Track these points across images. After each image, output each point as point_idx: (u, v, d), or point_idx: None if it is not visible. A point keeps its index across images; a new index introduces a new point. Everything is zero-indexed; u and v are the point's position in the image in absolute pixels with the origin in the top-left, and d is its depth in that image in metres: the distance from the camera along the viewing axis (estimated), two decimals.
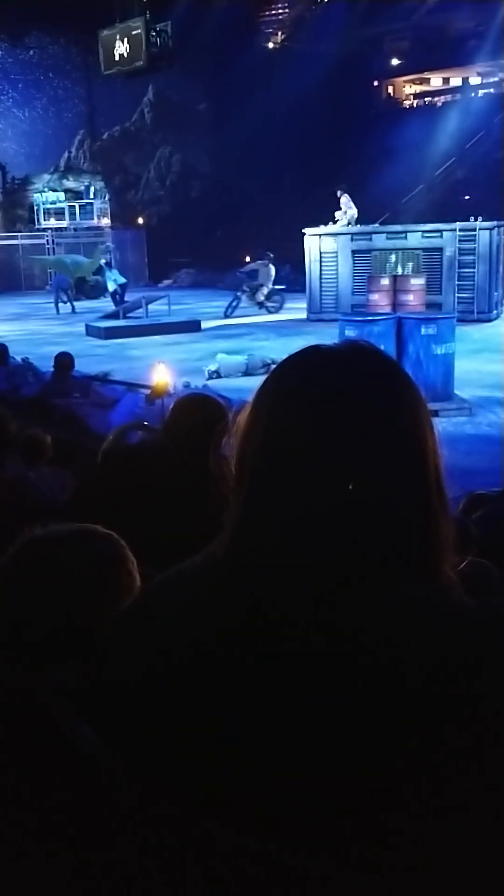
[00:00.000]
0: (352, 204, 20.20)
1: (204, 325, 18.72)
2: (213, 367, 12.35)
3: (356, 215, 20.21)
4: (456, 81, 38.51)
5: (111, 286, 23.06)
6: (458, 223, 18.71)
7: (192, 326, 18.38)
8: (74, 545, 1.47)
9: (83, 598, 1.37)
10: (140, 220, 33.72)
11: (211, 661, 0.90)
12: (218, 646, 0.90)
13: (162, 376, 6.82)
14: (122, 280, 23.00)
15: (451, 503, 0.98)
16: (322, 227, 20.28)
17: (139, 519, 2.36)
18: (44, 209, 32.71)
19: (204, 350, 15.20)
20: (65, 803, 0.90)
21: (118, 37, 22.28)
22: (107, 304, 23.48)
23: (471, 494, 4.67)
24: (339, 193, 20.39)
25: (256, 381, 1.00)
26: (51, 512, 2.73)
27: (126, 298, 22.68)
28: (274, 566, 0.91)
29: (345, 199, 20.22)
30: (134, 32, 21.80)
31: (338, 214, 20.34)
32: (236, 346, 15.41)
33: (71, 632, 1.30)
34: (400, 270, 18.16)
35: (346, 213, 20.15)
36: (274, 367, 1.00)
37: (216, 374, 12.14)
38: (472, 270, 18.37)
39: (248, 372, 12.05)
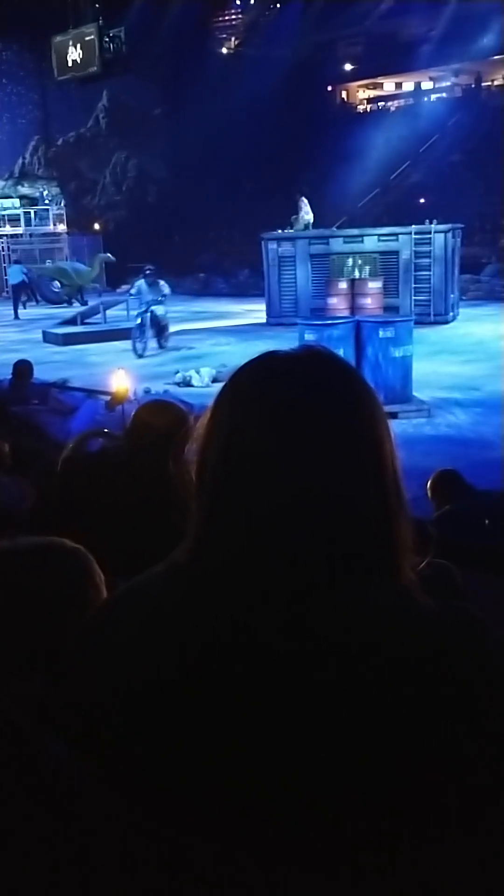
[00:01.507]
0: (308, 208, 20.31)
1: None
2: (179, 378, 12.27)
3: (311, 220, 20.32)
4: (409, 86, 38.91)
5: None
6: (413, 226, 18.89)
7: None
8: (39, 559, 1.45)
9: (48, 614, 1.36)
10: (97, 226, 33.54)
11: (178, 671, 0.90)
12: (184, 655, 0.90)
13: (122, 382, 6.78)
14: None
15: (409, 504, 0.99)
16: (279, 231, 20.37)
17: (100, 528, 2.35)
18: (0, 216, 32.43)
19: (164, 355, 15.16)
20: (31, 816, 0.89)
21: (71, 42, 22.18)
22: (61, 310, 23.35)
23: (441, 471, 4.69)
24: (299, 197, 20.49)
25: (217, 388, 1.00)
26: (10, 522, 2.70)
27: (83, 304, 22.57)
28: (237, 573, 0.91)
29: (303, 204, 20.32)
30: (87, 38, 21.72)
31: (294, 219, 20.44)
32: (196, 352, 15.40)
33: (35, 647, 1.28)
34: (357, 274, 18.28)
35: (301, 217, 20.25)
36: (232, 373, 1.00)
37: (185, 384, 12.05)
38: (428, 273, 18.56)
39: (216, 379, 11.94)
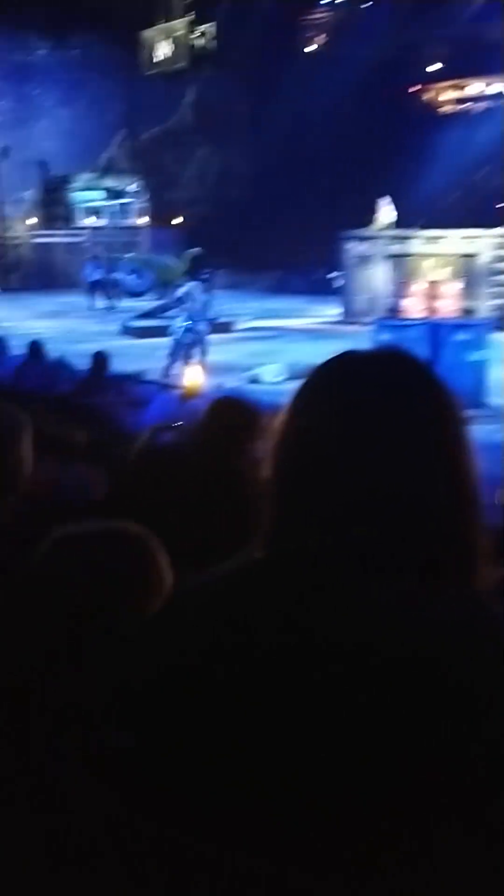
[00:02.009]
0: (391, 209, 20.13)
1: (237, 325, 18.73)
2: (250, 375, 12.28)
3: (393, 221, 20.14)
4: (496, 88, 38.17)
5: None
6: (494, 229, 18.56)
7: (225, 327, 18.40)
8: (105, 542, 1.48)
9: (111, 595, 1.38)
10: (177, 220, 33.81)
11: (249, 669, 0.89)
12: (256, 653, 0.90)
13: (195, 377, 6.84)
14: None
15: (484, 511, 0.97)
16: (359, 230, 20.24)
17: (169, 520, 2.37)
18: (83, 208, 32.90)
19: (237, 351, 15.21)
20: (99, 803, 0.90)
21: (161, 37, 22.40)
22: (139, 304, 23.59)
23: None
24: (380, 197, 20.33)
25: (291, 385, 1.00)
26: (84, 510, 2.75)
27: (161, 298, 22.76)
28: (308, 573, 0.91)
29: (384, 204, 20.15)
30: (177, 33, 21.92)
31: (376, 218, 20.30)
32: (269, 349, 15.40)
33: (96, 627, 1.31)
34: (436, 275, 18.05)
35: (382, 217, 20.10)
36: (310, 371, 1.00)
37: (255, 381, 12.05)
38: None
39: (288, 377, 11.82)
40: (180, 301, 13.38)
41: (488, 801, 0.83)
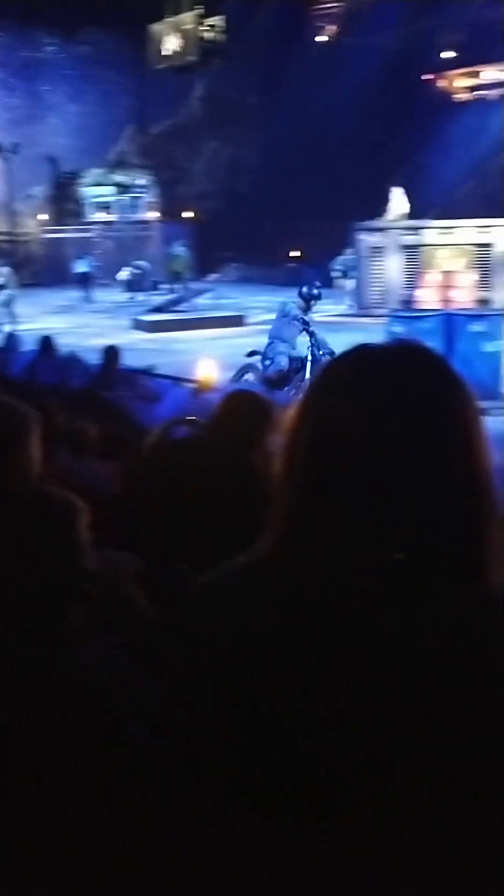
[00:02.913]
0: (404, 199, 20.04)
1: (250, 319, 18.72)
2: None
3: (406, 211, 20.06)
4: None
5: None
6: None
7: (238, 321, 18.40)
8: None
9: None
10: (189, 214, 33.82)
11: (261, 664, 0.89)
12: (267, 649, 0.90)
13: (208, 371, 6.84)
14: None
15: (500, 504, 0.96)
16: (372, 221, 20.17)
17: (183, 514, 2.37)
18: (93, 203, 32.97)
19: (250, 345, 15.18)
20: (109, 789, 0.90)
21: (170, 31, 22.36)
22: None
23: None
24: (393, 187, 20.25)
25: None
26: (97, 505, 2.74)
27: (172, 293, 22.81)
28: (321, 568, 0.90)
29: (397, 194, 20.07)
30: (185, 27, 21.87)
31: (389, 208, 20.23)
32: None
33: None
34: (450, 266, 17.96)
35: (394, 208, 20.02)
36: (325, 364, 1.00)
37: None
38: None
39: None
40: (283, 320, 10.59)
41: None
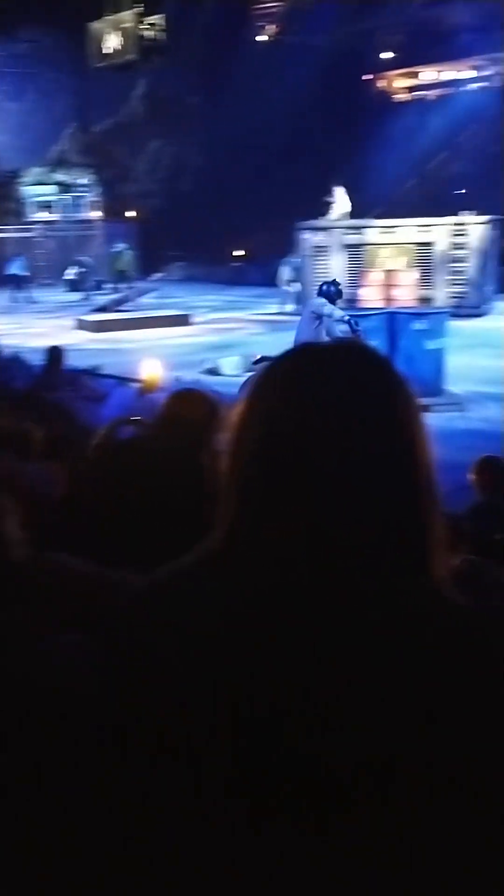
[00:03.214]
0: (346, 199, 20.18)
1: (195, 318, 18.70)
2: (209, 366, 12.27)
3: (348, 210, 20.21)
4: (449, 76, 38.41)
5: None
6: (450, 218, 18.71)
7: (183, 320, 18.36)
8: None
9: None
10: (132, 213, 33.61)
11: (209, 664, 0.90)
12: (215, 648, 0.90)
13: (153, 370, 6.81)
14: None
15: (442, 498, 0.98)
16: (315, 220, 20.28)
17: (130, 515, 2.36)
18: (34, 202, 32.58)
19: (195, 344, 15.18)
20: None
21: (109, 29, 22.17)
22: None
23: (486, 457, 4.77)
24: (335, 187, 20.36)
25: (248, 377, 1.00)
26: (42, 508, 2.72)
27: (116, 292, 22.65)
28: (268, 566, 0.91)
29: (339, 194, 20.20)
30: (125, 25, 21.70)
31: (328, 208, 20.35)
32: (228, 340, 15.40)
33: None
34: (392, 265, 18.16)
35: (337, 207, 20.15)
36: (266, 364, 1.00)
37: (215, 373, 12.04)
38: (464, 265, 18.38)
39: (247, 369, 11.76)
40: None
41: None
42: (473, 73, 36.63)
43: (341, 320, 10.10)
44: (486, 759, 0.85)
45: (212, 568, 0.95)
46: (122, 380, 9.45)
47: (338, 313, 10.13)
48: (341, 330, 9.94)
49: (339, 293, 10.52)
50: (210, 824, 0.88)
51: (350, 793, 0.84)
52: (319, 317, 10.06)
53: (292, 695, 0.87)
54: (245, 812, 0.87)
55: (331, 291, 10.39)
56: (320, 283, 10.80)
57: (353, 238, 19.36)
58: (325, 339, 9.61)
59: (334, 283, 10.69)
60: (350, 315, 10.37)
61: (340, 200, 20.16)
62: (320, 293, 10.45)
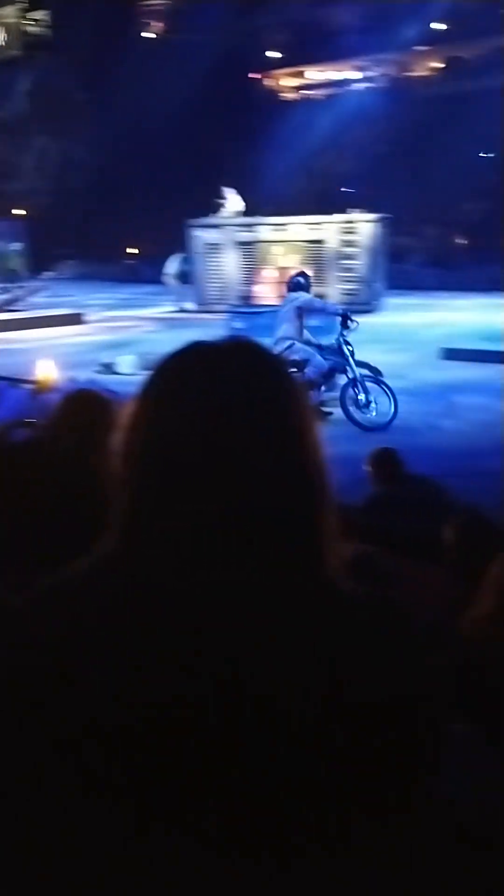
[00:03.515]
0: (237, 199, 20.27)
1: (88, 317, 18.46)
2: (104, 365, 12.16)
3: (242, 207, 20.31)
4: (334, 75, 39.06)
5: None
6: (340, 215, 19.02)
7: (76, 319, 18.09)
8: None
9: None
10: (20, 212, 32.88)
11: (106, 668, 0.89)
12: (111, 652, 0.89)
13: (47, 371, 6.69)
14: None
15: (335, 492, 0.99)
16: (207, 218, 20.30)
17: (24, 518, 2.31)
18: None
19: (89, 343, 14.99)
20: None
21: None
22: None
23: (380, 449, 4.87)
24: (225, 185, 20.42)
25: (144, 376, 0.99)
26: None
27: (6, 292, 22.11)
28: (162, 566, 0.91)
29: (229, 194, 20.27)
30: (8, 21, 21.24)
31: (218, 207, 20.43)
32: (123, 339, 15.26)
33: None
34: (285, 262, 18.34)
35: (229, 207, 20.23)
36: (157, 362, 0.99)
37: (111, 372, 11.93)
38: (355, 262, 18.71)
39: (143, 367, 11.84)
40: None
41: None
42: (359, 74, 37.37)
43: (335, 312, 10.08)
44: (381, 739, 0.87)
45: (106, 571, 0.94)
46: (15, 381, 9.24)
47: (332, 306, 10.01)
48: (336, 321, 9.93)
49: (309, 285, 10.34)
50: (108, 827, 0.87)
51: (252, 799, 0.85)
52: (301, 312, 9.82)
53: (189, 694, 0.86)
54: (140, 815, 0.87)
55: (307, 284, 10.19)
56: (291, 277, 10.47)
57: (246, 235, 19.47)
58: (304, 333, 9.81)
59: (303, 274, 10.47)
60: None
61: (232, 199, 20.24)
62: (296, 287, 10.12)
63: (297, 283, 10.15)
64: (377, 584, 1.01)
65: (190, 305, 19.46)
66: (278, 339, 9.60)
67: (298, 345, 9.68)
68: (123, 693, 0.88)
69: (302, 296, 10.00)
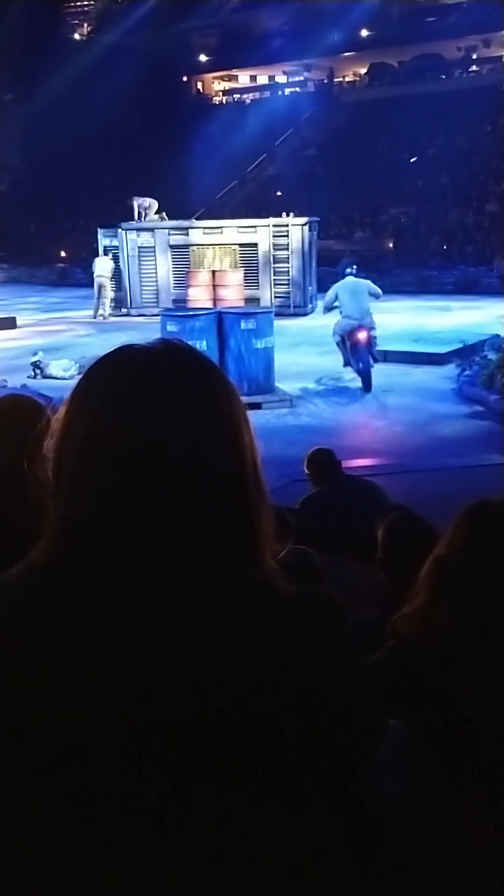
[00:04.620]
0: (155, 204, 20.49)
1: (20, 321, 18.18)
2: (35, 359, 11.99)
3: (163, 213, 20.51)
4: (263, 79, 39.26)
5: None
6: (270, 219, 19.11)
7: (8, 323, 17.80)
8: None
9: None
10: None
11: (38, 673, 0.88)
12: (44, 657, 0.88)
13: None
14: None
15: (270, 492, 1.00)
16: (138, 221, 20.22)
17: None
18: None
19: (21, 348, 14.76)
20: None
21: None
22: None
23: (316, 449, 4.93)
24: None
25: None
26: None
27: None
28: (97, 572, 0.90)
29: (149, 200, 20.47)
30: None
31: (154, 208, 20.48)
32: (55, 343, 15.06)
33: None
34: (218, 265, 18.35)
35: (151, 210, 20.42)
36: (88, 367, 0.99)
37: (44, 376, 11.76)
38: (286, 265, 18.81)
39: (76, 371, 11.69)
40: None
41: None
42: (284, 79, 37.62)
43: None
44: (310, 730, 0.89)
45: (39, 580, 0.93)
46: None
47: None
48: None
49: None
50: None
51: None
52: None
53: (125, 700, 0.86)
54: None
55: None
56: (344, 265, 11.60)
57: (178, 239, 19.42)
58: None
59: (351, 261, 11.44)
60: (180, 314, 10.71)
61: (152, 206, 20.40)
62: (351, 273, 11.05)
63: (348, 270, 11.22)
64: (311, 583, 1.02)
65: (105, 312, 19.21)
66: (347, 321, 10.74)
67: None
68: (55, 700, 0.87)
69: (363, 282, 11.05)
